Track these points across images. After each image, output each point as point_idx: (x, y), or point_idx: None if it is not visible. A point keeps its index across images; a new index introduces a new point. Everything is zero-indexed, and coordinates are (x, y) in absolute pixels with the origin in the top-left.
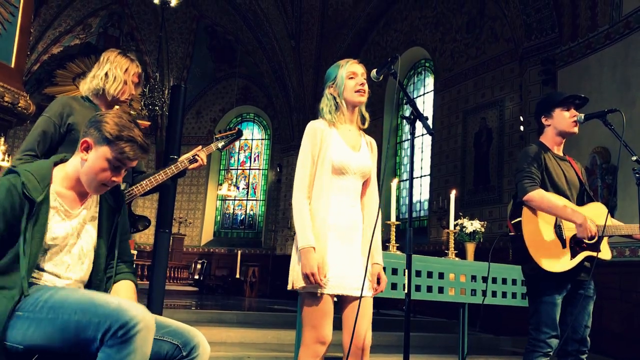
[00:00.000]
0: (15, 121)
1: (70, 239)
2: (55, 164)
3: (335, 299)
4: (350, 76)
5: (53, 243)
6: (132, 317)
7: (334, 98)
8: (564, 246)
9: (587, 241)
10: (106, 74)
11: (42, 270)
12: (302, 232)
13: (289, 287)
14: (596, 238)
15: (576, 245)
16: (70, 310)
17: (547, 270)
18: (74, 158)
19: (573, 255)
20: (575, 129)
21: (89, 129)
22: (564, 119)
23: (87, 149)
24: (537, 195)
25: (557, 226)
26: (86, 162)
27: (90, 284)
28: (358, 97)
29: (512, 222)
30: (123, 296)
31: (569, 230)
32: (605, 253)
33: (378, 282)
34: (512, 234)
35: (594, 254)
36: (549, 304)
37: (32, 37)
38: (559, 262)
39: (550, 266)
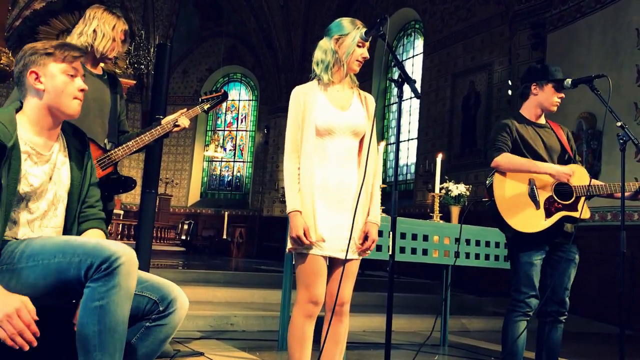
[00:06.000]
0: None
1: (45, 184)
2: (16, 111)
3: (327, 262)
4: (359, 44)
5: (30, 190)
6: (113, 252)
7: (335, 53)
8: (537, 207)
9: (561, 202)
10: (94, 31)
11: (17, 222)
12: (289, 196)
13: (287, 249)
14: (574, 197)
15: (551, 206)
16: (49, 254)
17: (520, 231)
18: (28, 101)
19: (548, 216)
20: (555, 109)
21: (26, 63)
22: (551, 97)
23: (38, 77)
24: (502, 158)
25: (531, 189)
26: (45, 90)
27: (64, 231)
28: (357, 66)
29: (488, 189)
30: None
31: (543, 192)
32: (583, 213)
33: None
34: (486, 199)
35: (571, 213)
36: (527, 263)
37: None
38: (532, 223)
39: (522, 227)
